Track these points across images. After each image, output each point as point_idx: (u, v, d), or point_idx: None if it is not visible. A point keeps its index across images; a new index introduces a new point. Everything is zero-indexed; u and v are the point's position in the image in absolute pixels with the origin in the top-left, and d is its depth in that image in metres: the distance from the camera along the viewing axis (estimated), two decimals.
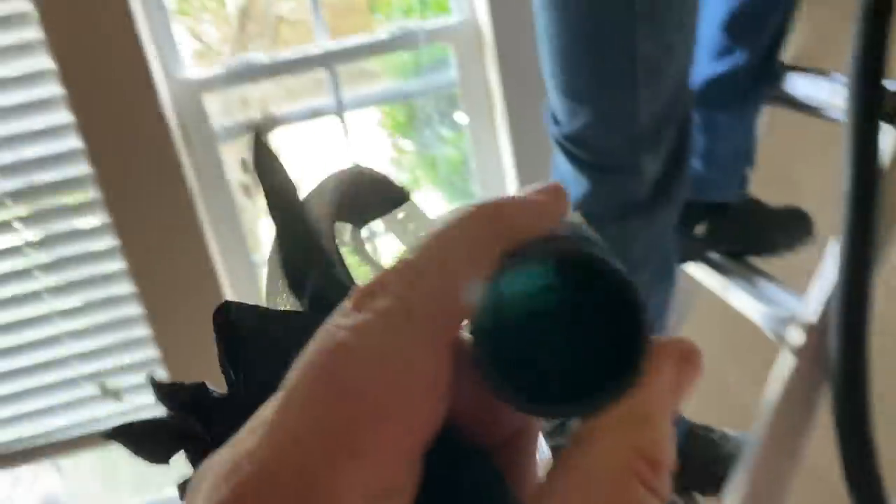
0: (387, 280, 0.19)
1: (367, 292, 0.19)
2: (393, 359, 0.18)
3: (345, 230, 0.24)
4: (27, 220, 1.67)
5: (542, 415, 0.21)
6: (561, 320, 0.22)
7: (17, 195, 1.65)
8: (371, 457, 0.17)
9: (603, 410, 0.19)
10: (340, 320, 0.19)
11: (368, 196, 0.25)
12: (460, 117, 1.93)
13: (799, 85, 1.22)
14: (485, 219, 0.20)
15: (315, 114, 1.79)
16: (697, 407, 1.40)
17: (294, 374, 0.18)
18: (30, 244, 1.68)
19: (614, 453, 0.19)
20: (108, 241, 1.66)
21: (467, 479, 0.22)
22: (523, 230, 0.21)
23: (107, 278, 1.70)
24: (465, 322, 0.20)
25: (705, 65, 1.25)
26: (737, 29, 1.23)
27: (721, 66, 1.25)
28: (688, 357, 0.20)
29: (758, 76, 1.25)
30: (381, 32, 1.71)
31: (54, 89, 1.57)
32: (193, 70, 1.68)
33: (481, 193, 1.87)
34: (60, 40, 1.53)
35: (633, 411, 0.19)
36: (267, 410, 0.18)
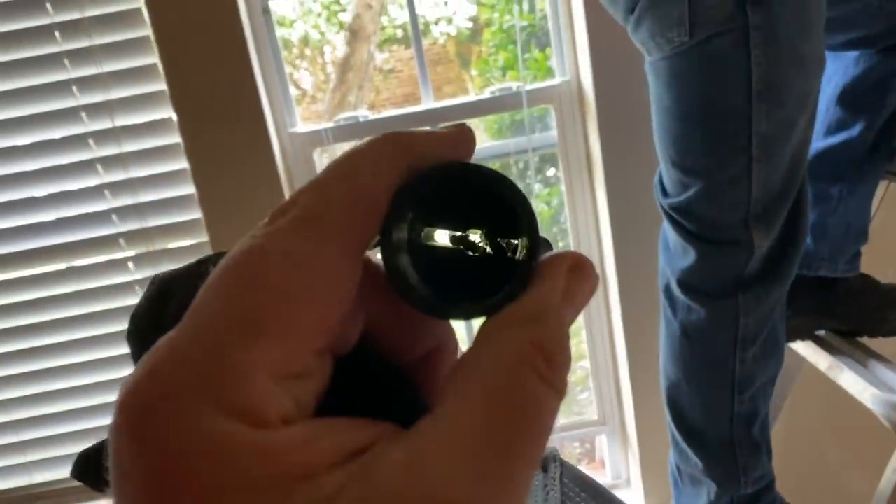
0: (298, 195, 0.21)
1: (281, 209, 0.21)
2: (297, 255, 0.19)
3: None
4: (137, 260, 1.76)
5: (446, 316, 0.23)
6: (465, 237, 0.24)
7: (131, 236, 1.74)
8: (276, 337, 0.18)
9: (500, 308, 0.21)
10: (255, 231, 0.20)
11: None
12: (553, 173, 1.94)
13: None
14: (389, 140, 0.22)
15: None
16: (796, 486, 1.34)
17: (212, 274, 0.20)
18: (139, 283, 1.76)
19: (510, 346, 0.20)
20: None
21: (379, 384, 0.24)
22: (427, 154, 0.22)
23: None
24: (375, 236, 0.21)
25: (819, 137, 1.23)
26: (853, 102, 1.20)
27: (835, 139, 1.23)
28: (579, 266, 0.22)
29: (873, 151, 1.21)
30: (485, 92, 1.75)
31: (174, 138, 1.66)
32: (303, 125, 1.75)
33: (575, 249, 1.86)
34: (182, 93, 1.62)
35: (528, 309, 0.21)
36: None
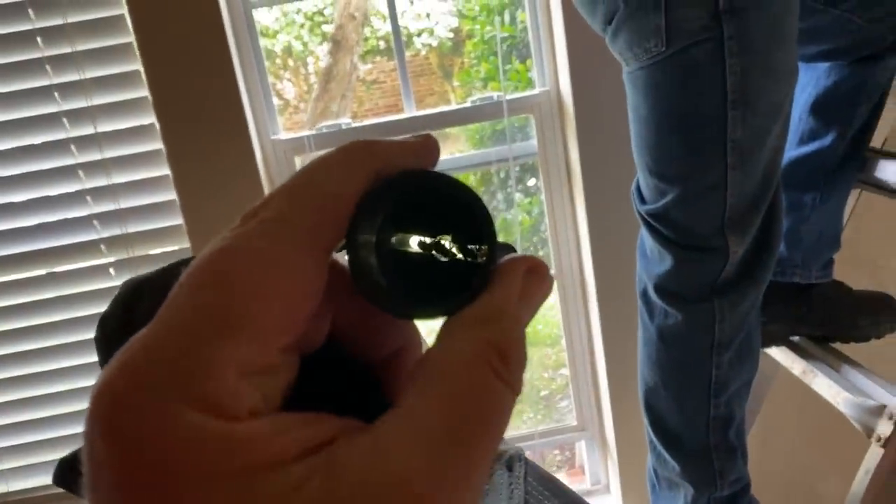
0: (268, 198, 0.22)
1: (252, 212, 0.21)
2: (267, 256, 0.20)
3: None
4: (118, 266, 1.75)
5: (408, 316, 0.24)
6: (431, 242, 0.25)
7: (112, 242, 1.73)
8: (245, 334, 0.19)
9: (460, 309, 0.22)
10: (227, 232, 0.21)
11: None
12: (533, 183, 1.96)
13: (888, 170, 1.21)
14: (357, 147, 0.23)
15: None
16: (771, 488, 1.36)
17: (184, 273, 0.20)
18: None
19: (468, 345, 0.21)
20: None
21: (345, 381, 0.25)
22: (393, 161, 0.23)
23: None
24: (342, 239, 0.22)
25: (792, 146, 1.25)
26: (825, 112, 1.23)
27: (808, 148, 1.25)
28: (534, 269, 0.24)
29: (845, 160, 1.24)
30: (466, 102, 1.76)
31: (155, 144, 1.67)
32: (285, 133, 1.76)
33: (555, 258, 1.89)
34: (164, 99, 1.63)
35: (485, 310, 0.22)
36: None
